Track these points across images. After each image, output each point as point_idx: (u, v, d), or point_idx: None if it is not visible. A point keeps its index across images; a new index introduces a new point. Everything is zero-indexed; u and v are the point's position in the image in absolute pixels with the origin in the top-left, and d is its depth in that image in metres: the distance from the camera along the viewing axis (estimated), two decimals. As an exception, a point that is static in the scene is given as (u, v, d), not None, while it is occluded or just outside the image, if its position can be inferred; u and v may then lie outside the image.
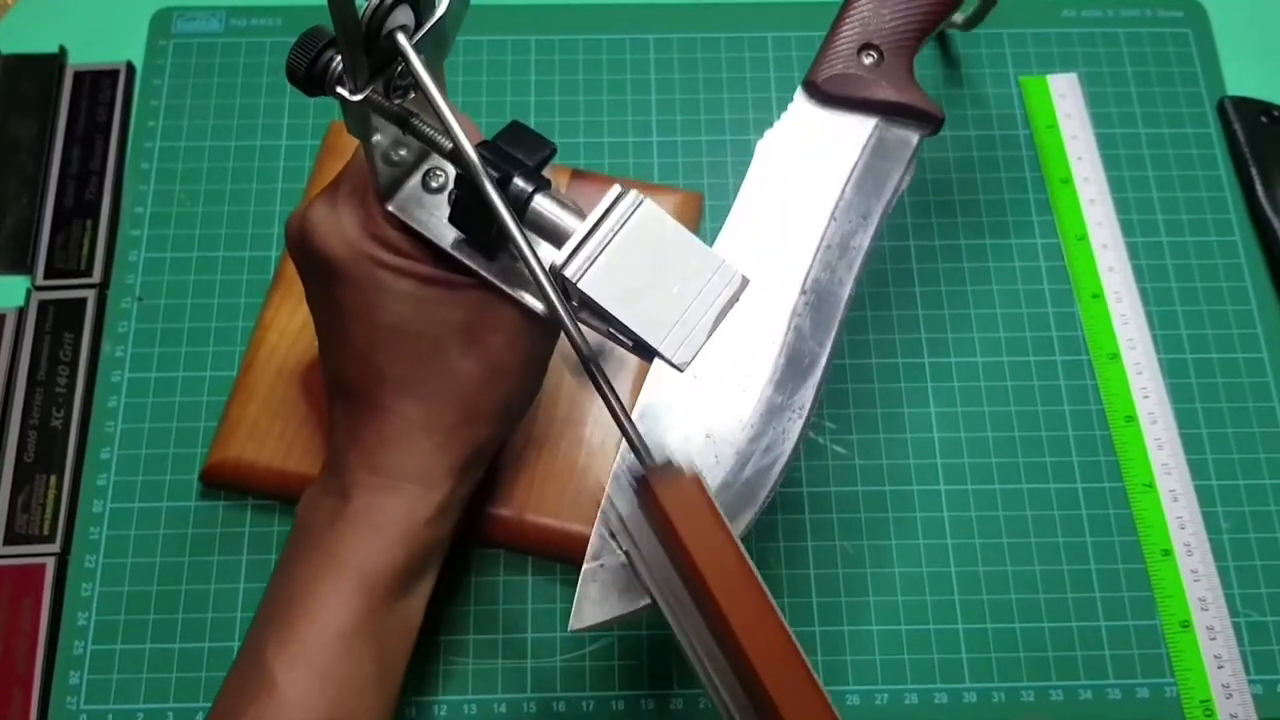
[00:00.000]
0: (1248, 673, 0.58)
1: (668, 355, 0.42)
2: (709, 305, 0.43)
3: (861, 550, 0.60)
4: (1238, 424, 0.63)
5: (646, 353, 0.43)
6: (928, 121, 0.54)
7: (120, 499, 0.60)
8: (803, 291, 0.51)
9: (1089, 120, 0.70)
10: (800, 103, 0.54)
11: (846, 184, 0.53)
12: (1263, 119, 0.70)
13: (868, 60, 0.54)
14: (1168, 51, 0.73)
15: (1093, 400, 0.63)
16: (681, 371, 0.42)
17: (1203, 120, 0.71)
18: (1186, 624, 0.59)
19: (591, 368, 0.42)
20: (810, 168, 0.53)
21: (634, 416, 0.51)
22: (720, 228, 0.53)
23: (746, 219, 0.52)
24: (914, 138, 0.54)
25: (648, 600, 0.44)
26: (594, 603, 0.46)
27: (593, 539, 0.47)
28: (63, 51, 0.71)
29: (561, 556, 0.59)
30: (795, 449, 0.49)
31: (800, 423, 0.49)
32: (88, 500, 0.60)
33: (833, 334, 0.51)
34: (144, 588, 0.59)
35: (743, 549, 0.41)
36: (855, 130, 0.54)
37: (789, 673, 0.40)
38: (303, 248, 0.48)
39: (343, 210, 0.47)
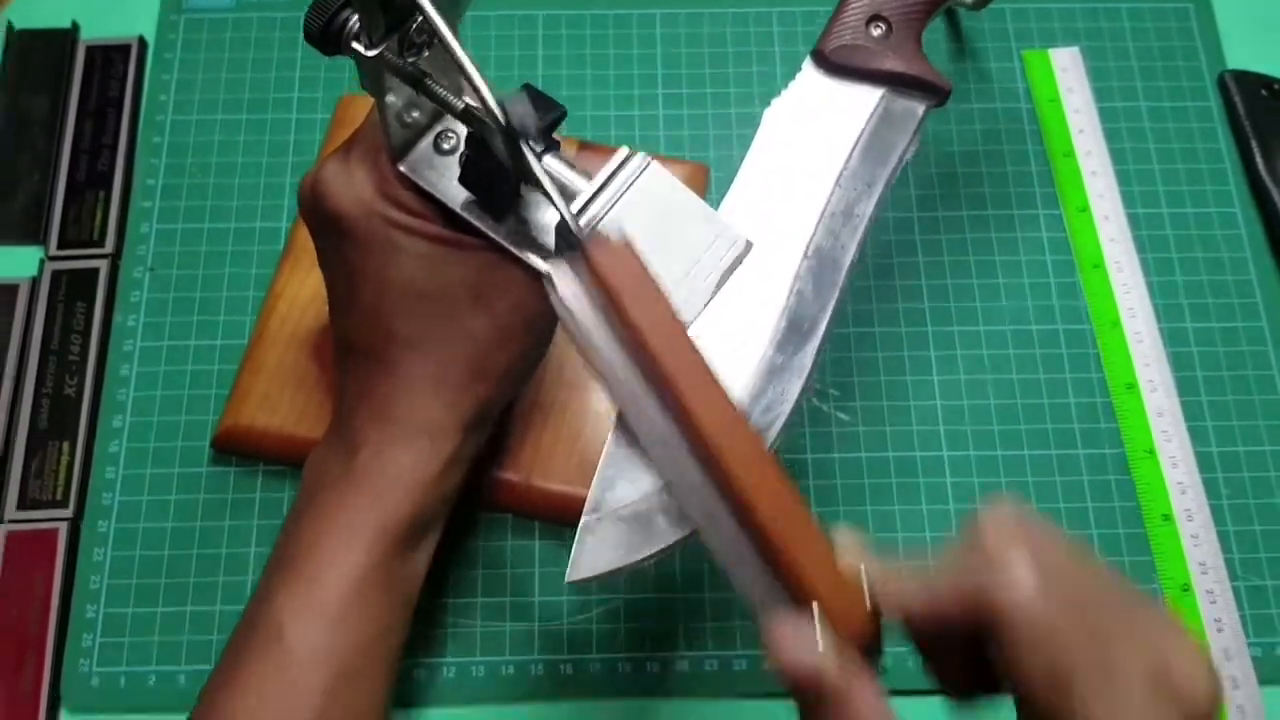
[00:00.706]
0: (1247, 636, 0.58)
1: None
2: (712, 267, 0.43)
3: (865, 516, 0.60)
4: (1237, 391, 0.64)
5: None
6: (934, 93, 0.55)
7: (132, 465, 0.61)
8: (805, 256, 0.52)
9: (1091, 94, 0.71)
10: (808, 72, 0.55)
11: (852, 152, 0.54)
12: (1263, 92, 0.70)
13: (876, 32, 0.55)
14: (1169, 25, 0.73)
15: (1094, 368, 0.64)
16: None
17: (1203, 94, 0.71)
18: (1186, 588, 0.59)
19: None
20: (816, 136, 0.54)
21: None
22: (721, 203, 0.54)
23: (752, 184, 0.53)
24: (920, 109, 0.54)
25: (648, 552, 0.45)
26: (591, 554, 0.47)
27: (592, 491, 0.48)
28: (75, 27, 0.72)
29: (568, 521, 0.59)
30: (794, 410, 0.49)
31: (799, 384, 0.50)
32: (100, 466, 0.61)
33: (834, 299, 0.51)
34: (156, 552, 0.59)
35: (676, 310, 0.41)
36: (862, 100, 0.54)
37: (725, 418, 0.40)
38: (315, 206, 0.49)
39: (355, 169, 0.47)
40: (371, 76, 0.43)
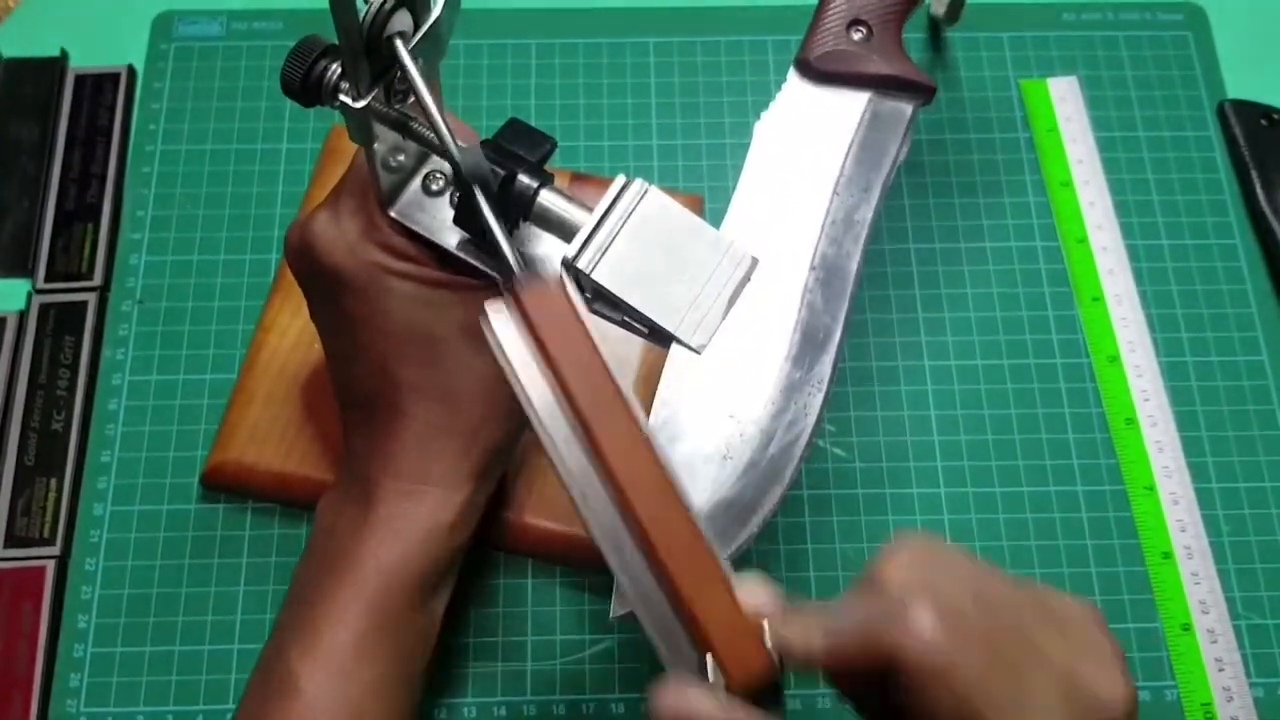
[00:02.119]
0: (1248, 676, 0.58)
1: (684, 339, 0.42)
2: (721, 287, 0.43)
3: (861, 553, 0.60)
4: (1238, 427, 0.63)
5: (663, 338, 0.43)
6: (920, 92, 0.55)
7: (120, 502, 0.61)
8: (812, 267, 0.51)
9: (1089, 123, 0.70)
10: (794, 82, 0.55)
11: (846, 159, 0.54)
12: (1263, 122, 0.70)
13: (857, 36, 0.55)
14: (1167, 55, 0.73)
15: (1093, 403, 0.63)
16: (699, 354, 0.43)
17: (1203, 123, 0.71)
18: (1187, 627, 0.58)
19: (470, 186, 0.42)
20: (809, 145, 0.54)
21: (654, 405, 0.51)
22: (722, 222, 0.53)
23: (751, 200, 0.53)
24: (908, 109, 0.55)
25: None
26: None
27: None
28: (64, 55, 0.71)
29: (561, 559, 0.59)
30: (817, 423, 0.49)
31: (820, 396, 0.50)
32: (88, 503, 0.60)
33: (845, 307, 0.51)
34: (144, 590, 0.59)
35: (604, 357, 0.41)
36: (850, 105, 0.54)
37: (638, 464, 0.39)
38: (306, 262, 0.48)
39: (345, 220, 0.47)
40: (359, 126, 0.42)
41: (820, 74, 0.54)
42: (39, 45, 0.71)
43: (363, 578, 0.47)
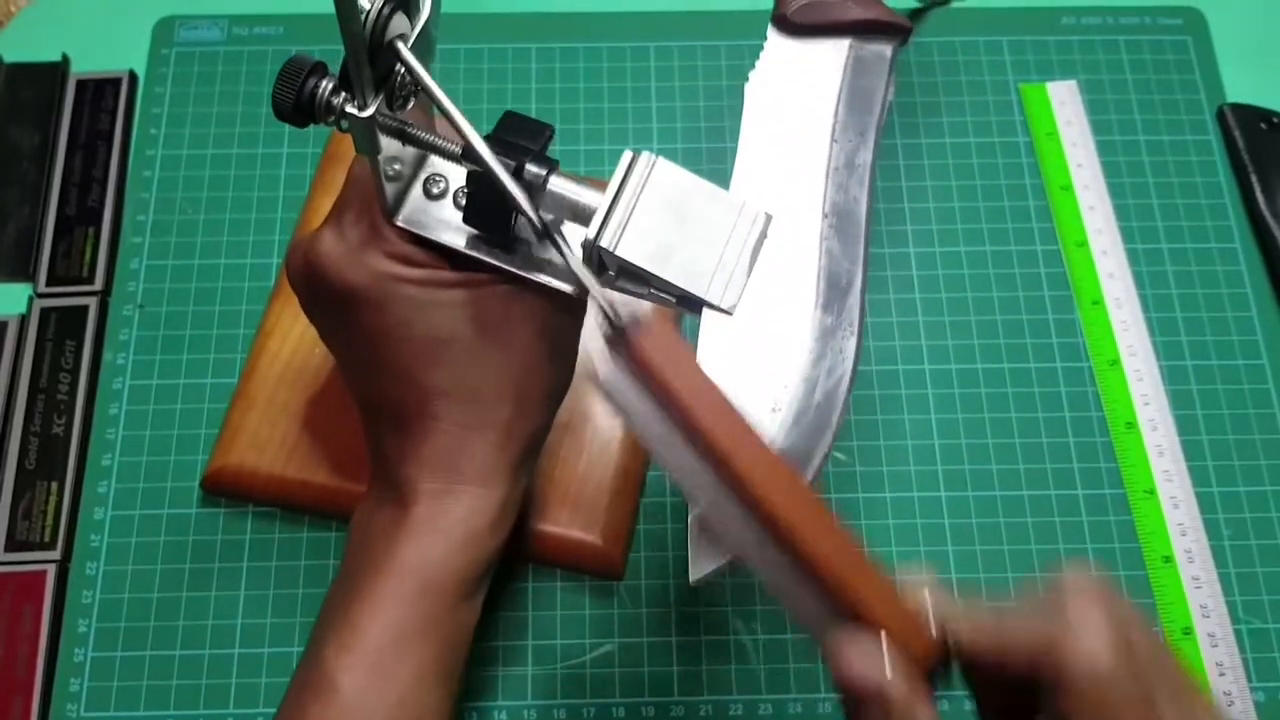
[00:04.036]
0: (1249, 680, 0.58)
1: (715, 301, 0.43)
2: (741, 247, 0.43)
3: (862, 557, 0.60)
4: (1238, 430, 0.63)
5: (693, 304, 0.44)
6: (896, 32, 0.56)
7: (121, 506, 0.61)
8: (824, 215, 0.52)
9: (1089, 127, 0.70)
10: (774, 39, 0.56)
11: (837, 106, 0.54)
12: (1262, 126, 0.70)
13: None
14: (1167, 59, 0.73)
15: (1093, 407, 0.63)
16: (730, 315, 0.43)
17: (1202, 127, 0.71)
18: (1188, 631, 0.58)
19: (551, 233, 0.43)
20: (799, 98, 0.54)
21: None
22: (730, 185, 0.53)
23: (754, 160, 0.53)
24: (888, 50, 0.56)
25: None
26: (709, 550, 0.46)
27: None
28: (65, 60, 0.71)
29: (560, 563, 0.59)
30: (855, 367, 0.50)
31: (854, 339, 0.50)
32: (88, 507, 0.61)
33: (861, 249, 0.52)
34: (144, 595, 0.59)
35: (718, 384, 0.42)
36: (832, 54, 0.55)
37: (779, 482, 0.41)
38: (314, 284, 0.48)
39: (351, 236, 0.47)
40: (365, 136, 0.42)
41: (799, 27, 0.55)
42: (40, 50, 0.71)
43: (401, 577, 0.46)
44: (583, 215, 0.44)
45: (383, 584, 0.46)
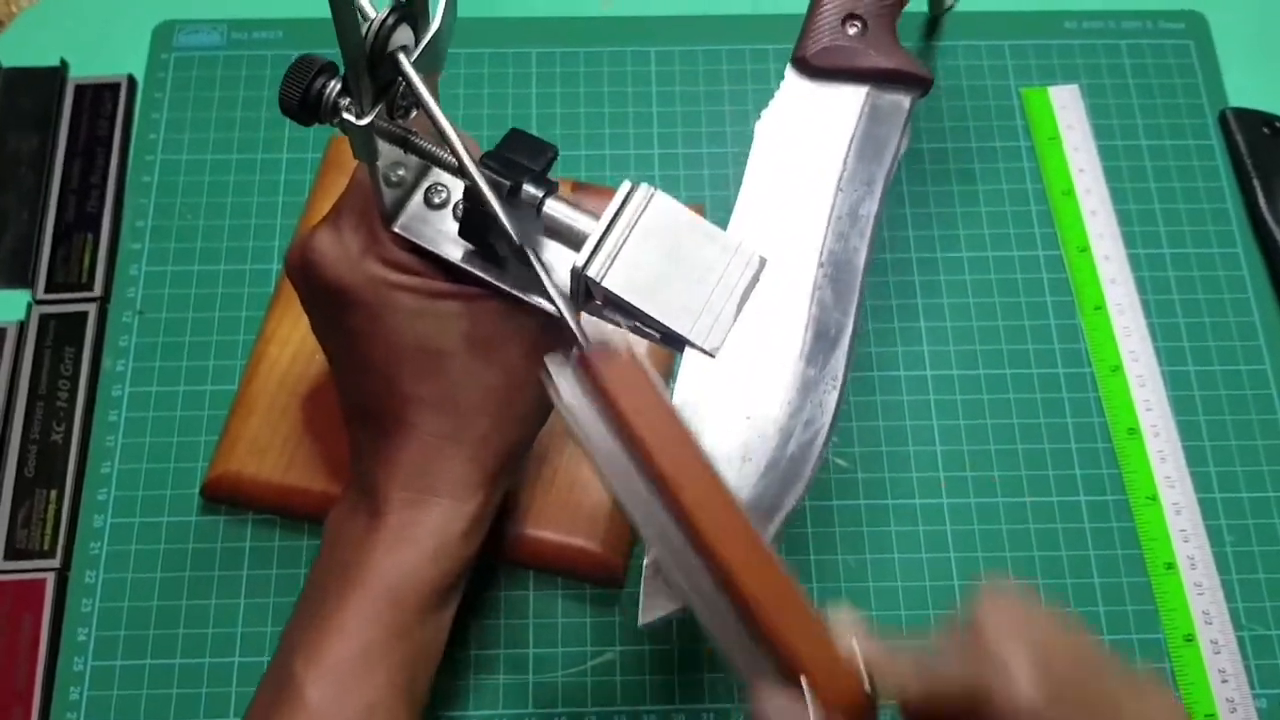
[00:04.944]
0: (1252, 687, 0.57)
1: (698, 342, 0.42)
2: (731, 288, 0.43)
3: (864, 564, 0.60)
4: (1241, 436, 0.63)
5: (676, 342, 0.43)
6: (917, 84, 0.55)
7: (121, 514, 0.60)
8: (820, 264, 0.51)
9: (1091, 132, 0.70)
10: (792, 79, 0.55)
11: (848, 154, 0.54)
12: (1264, 130, 0.70)
13: (852, 30, 0.55)
14: (1169, 63, 0.73)
15: (1095, 413, 0.63)
16: (713, 356, 0.43)
17: (1204, 131, 0.71)
18: (1190, 638, 0.58)
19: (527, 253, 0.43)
20: (810, 142, 0.54)
21: None
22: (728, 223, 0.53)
23: (756, 200, 0.53)
24: (906, 101, 0.55)
25: None
26: (663, 593, 0.46)
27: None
28: (64, 64, 0.71)
29: (561, 570, 0.59)
30: (834, 421, 0.49)
31: (836, 394, 0.50)
32: (88, 515, 0.60)
33: (855, 302, 0.51)
34: (144, 603, 0.58)
35: (681, 417, 0.42)
36: (849, 100, 0.55)
37: (724, 519, 0.41)
38: (309, 280, 0.48)
39: (348, 237, 0.47)
40: (363, 143, 0.42)
41: (817, 70, 0.54)
42: (39, 55, 0.71)
43: (371, 587, 0.46)
44: (576, 241, 0.44)
45: (352, 594, 0.46)
